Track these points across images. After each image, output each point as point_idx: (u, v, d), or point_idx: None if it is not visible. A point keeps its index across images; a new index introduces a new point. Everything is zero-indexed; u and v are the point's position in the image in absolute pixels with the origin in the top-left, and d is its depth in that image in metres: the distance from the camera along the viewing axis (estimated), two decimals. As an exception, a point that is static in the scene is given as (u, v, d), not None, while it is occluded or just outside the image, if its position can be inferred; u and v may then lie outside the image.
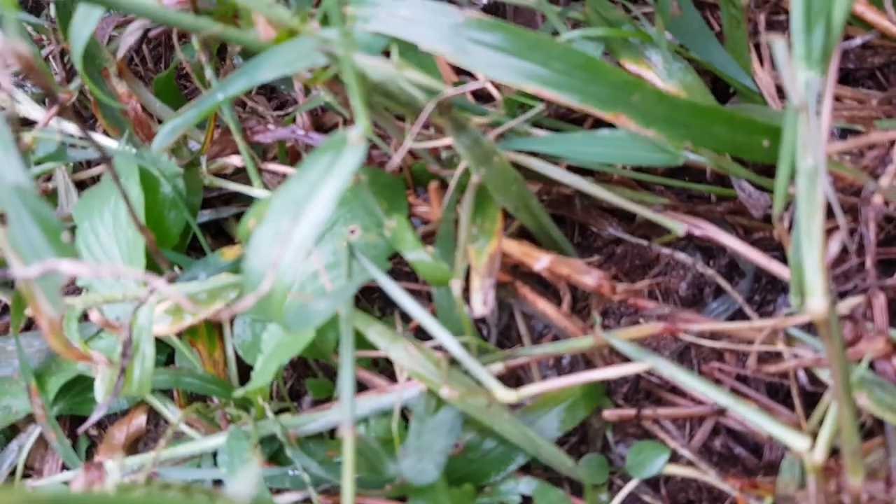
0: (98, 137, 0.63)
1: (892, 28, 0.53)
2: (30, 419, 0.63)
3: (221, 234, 0.67)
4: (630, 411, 0.52)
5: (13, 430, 0.64)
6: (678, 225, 0.50)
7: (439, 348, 0.50)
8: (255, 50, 0.44)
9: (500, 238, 0.47)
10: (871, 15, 0.53)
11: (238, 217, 0.66)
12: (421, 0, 0.42)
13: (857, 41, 0.56)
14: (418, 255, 0.47)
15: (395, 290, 0.44)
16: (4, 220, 0.33)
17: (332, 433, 0.57)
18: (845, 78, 0.61)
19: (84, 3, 0.44)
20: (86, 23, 0.44)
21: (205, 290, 0.54)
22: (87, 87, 0.62)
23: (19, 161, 0.32)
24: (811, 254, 0.35)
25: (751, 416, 0.41)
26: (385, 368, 0.59)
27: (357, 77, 0.33)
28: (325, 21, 0.49)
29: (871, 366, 0.46)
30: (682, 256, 0.57)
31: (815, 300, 0.35)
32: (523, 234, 0.56)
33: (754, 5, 0.60)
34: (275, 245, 0.32)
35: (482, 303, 0.44)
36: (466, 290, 0.57)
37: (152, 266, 0.55)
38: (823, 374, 0.48)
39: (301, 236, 0.32)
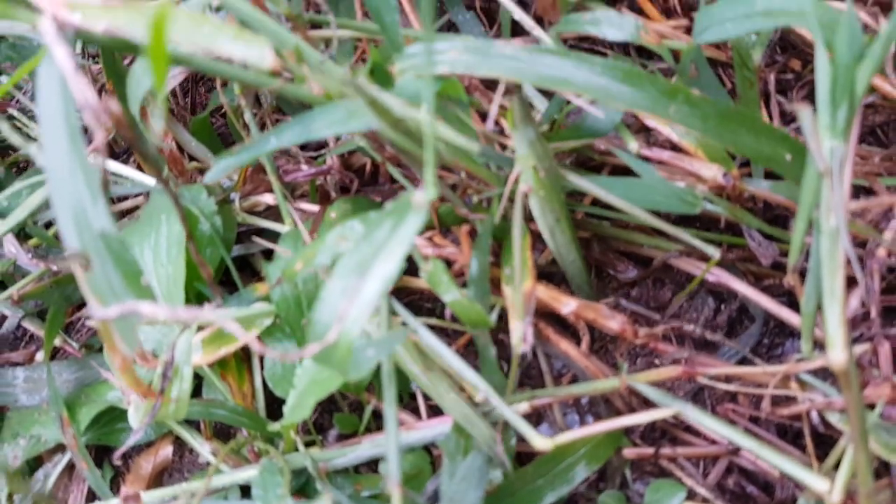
0: (133, 173, 0.65)
1: (893, 91, 0.57)
2: (56, 449, 0.64)
3: (247, 268, 0.69)
4: (648, 450, 0.55)
5: (37, 460, 0.65)
6: (713, 249, 0.52)
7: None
8: (306, 102, 0.47)
9: (534, 277, 0.50)
10: (873, 79, 0.57)
11: (265, 253, 0.68)
12: (463, 41, 0.44)
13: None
14: (455, 297, 0.49)
15: (436, 343, 0.47)
16: (87, 263, 0.35)
17: (356, 468, 0.59)
18: (847, 135, 0.64)
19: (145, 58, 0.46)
20: (145, 74, 0.46)
21: (239, 319, 0.56)
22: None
23: (107, 209, 0.34)
24: (833, 309, 0.38)
25: (772, 458, 0.43)
26: (408, 404, 0.61)
27: (435, 149, 0.35)
28: (372, 75, 0.52)
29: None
30: (695, 300, 0.61)
31: (836, 352, 0.38)
32: (541, 277, 0.59)
33: (764, 64, 0.63)
34: (342, 300, 0.34)
35: (522, 340, 0.47)
36: (497, 331, 0.60)
37: (190, 301, 0.57)
38: (833, 418, 0.51)
39: (368, 293, 0.34)
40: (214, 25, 0.35)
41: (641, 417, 0.48)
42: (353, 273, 0.34)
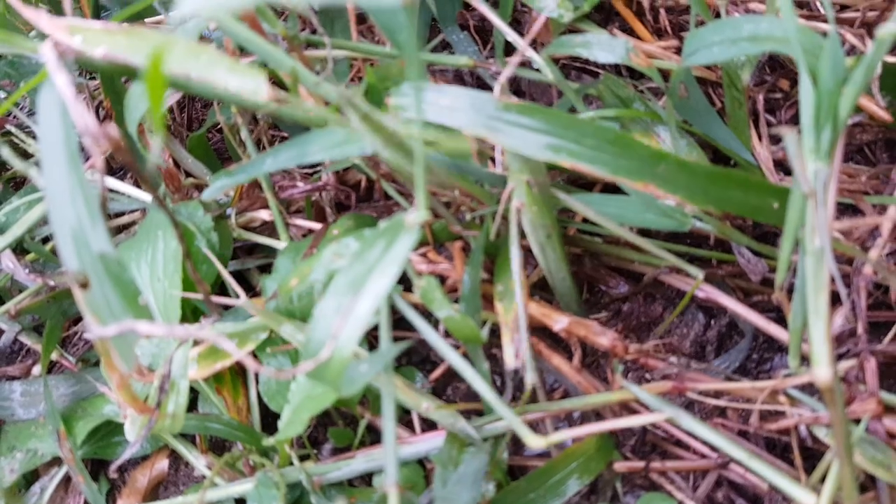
0: (130, 190, 0.66)
1: (879, 112, 0.58)
2: (52, 462, 0.64)
3: (242, 283, 0.69)
4: (639, 463, 0.55)
5: (34, 474, 0.66)
6: (697, 271, 0.53)
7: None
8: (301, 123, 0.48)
9: (527, 294, 0.50)
10: (860, 99, 0.58)
11: (260, 268, 0.68)
12: (459, 89, 0.45)
13: (848, 121, 0.60)
14: (448, 313, 0.50)
15: (444, 347, 0.47)
16: (86, 284, 0.36)
17: (350, 481, 0.59)
18: (835, 152, 0.65)
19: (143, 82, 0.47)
20: (143, 97, 0.47)
21: (235, 334, 0.57)
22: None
23: (105, 231, 0.35)
24: (818, 327, 0.39)
25: (761, 469, 0.44)
26: (402, 417, 0.62)
27: (425, 171, 0.36)
28: (366, 94, 0.53)
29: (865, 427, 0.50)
30: (685, 315, 0.61)
31: (821, 369, 0.39)
32: (533, 293, 0.60)
33: (753, 84, 0.64)
34: (336, 318, 0.35)
35: (514, 356, 0.48)
36: (490, 346, 0.61)
37: (186, 315, 0.58)
38: (820, 433, 0.51)
39: (361, 312, 0.35)
40: (211, 56, 0.36)
41: (636, 420, 0.49)
42: (346, 291, 0.35)
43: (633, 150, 0.43)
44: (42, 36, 0.69)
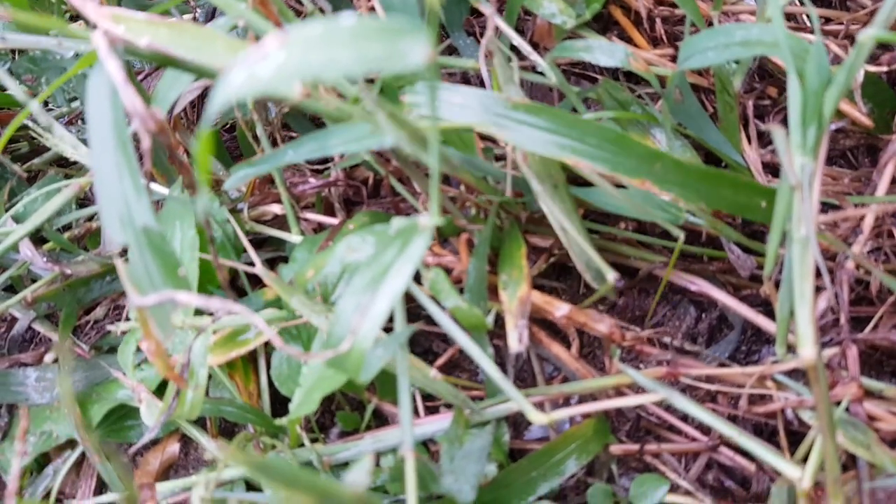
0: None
1: (861, 118, 0.62)
2: (65, 446, 0.66)
3: (254, 274, 0.72)
4: (634, 446, 0.58)
5: (45, 457, 0.67)
6: (679, 232, 0.56)
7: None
8: (314, 120, 0.51)
9: (529, 283, 0.53)
10: (843, 106, 0.62)
11: (270, 261, 0.71)
12: (470, 89, 0.48)
13: (832, 127, 0.64)
14: (455, 303, 0.53)
15: (456, 332, 0.50)
16: (126, 254, 0.38)
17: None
18: (819, 157, 0.69)
19: (172, 70, 0.50)
20: (173, 86, 0.50)
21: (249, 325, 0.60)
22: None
23: (149, 205, 0.38)
24: (803, 310, 0.42)
25: (749, 445, 0.47)
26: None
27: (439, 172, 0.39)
28: (382, 92, 0.56)
29: (846, 408, 0.53)
30: (678, 309, 0.64)
31: (806, 349, 0.42)
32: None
33: (743, 91, 0.68)
34: (356, 314, 0.38)
35: (518, 340, 0.50)
36: (492, 336, 0.63)
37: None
38: (805, 415, 0.55)
39: (379, 309, 0.38)
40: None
41: (632, 400, 0.51)
42: (365, 290, 0.38)
43: (632, 149, 0.46)
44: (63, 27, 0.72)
